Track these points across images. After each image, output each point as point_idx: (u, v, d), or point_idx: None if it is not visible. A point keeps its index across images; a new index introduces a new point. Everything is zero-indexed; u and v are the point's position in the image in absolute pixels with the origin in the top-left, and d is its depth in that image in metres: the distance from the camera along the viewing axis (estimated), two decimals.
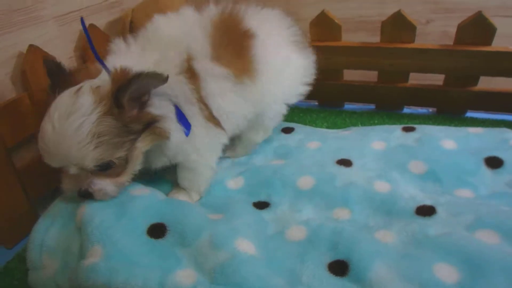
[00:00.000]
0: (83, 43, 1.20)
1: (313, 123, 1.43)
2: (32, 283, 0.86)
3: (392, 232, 0.83)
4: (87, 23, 1.19)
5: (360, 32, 1.51)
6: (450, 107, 1.40)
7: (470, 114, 1.40)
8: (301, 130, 1.29)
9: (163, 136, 0.84)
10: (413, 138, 1.12)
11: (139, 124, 0.80)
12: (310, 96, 1.32)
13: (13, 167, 0.99)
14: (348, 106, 1.56)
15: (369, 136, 1.17)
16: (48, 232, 0.88)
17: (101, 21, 1.30)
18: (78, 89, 0.78)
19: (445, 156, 1.03)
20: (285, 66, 1.05)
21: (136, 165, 0.85)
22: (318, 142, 1.19)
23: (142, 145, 0.83)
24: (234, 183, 1.06)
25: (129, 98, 0.77)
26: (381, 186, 0.97)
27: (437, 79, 1.37)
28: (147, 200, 0.89)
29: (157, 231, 0.84)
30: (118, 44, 0.92)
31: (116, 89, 0.75)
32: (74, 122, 0.74)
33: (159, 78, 0.77)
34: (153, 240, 0.82)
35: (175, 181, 1.01)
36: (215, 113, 0.94)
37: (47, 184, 1.12)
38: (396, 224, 0.86)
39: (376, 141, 1.15)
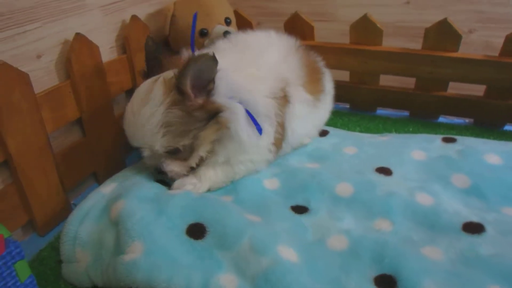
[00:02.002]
0: (125, 33, 1.19)
1: (345, 127, 1.40)
2: (66, 276, 0.85)
3: (440, 248, 0.81)
4: (128, 14, 1.20)
5: (399, 38, 1.48)
6: (489, 119, 1.35)
7: (508, 127, 1.36)
8: (336, 133, 1.27)
9: (224, 125, 0.88)
10: (455, 150, 1.08)
11: (205, 112, 0.86)
12: (341, 98, 1.35)
13: (52, 154, 0.99)
14: (381, 111, 1.52)
15: (408, 145, 1.14)
16: (82, 225, 0.87)
17: (140, 12, 1.28)
18: (156, 79, 0.86)
19: (490, 171, 1.00)
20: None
21: (201, 152, 0.92)
22: (354, 148, 1.16)
23: (206, 134, 0.88)
24: (270, 184, 1.03)
25: (192, 86, 0.83)
26: (424, 199, 0.94)
27: (476, 89, 1.34)
28: (183, 199, 0.88)
29: (196, 231, 0.82)
30: (221, 45, 1.08)
31: (175, 77, 0.82)
32: (147, 111, 0.83)
33: (213, 60, 0.80)
34: (192, 240, 0.81)
35: None
36: (289, 132, 1.05)
37: (80, 173, 1.12)
38: (443, 240, 0.83)
39: (416, 150, 1.11)
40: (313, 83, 1.11)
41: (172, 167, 0.92)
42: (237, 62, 0.97)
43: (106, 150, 1.17)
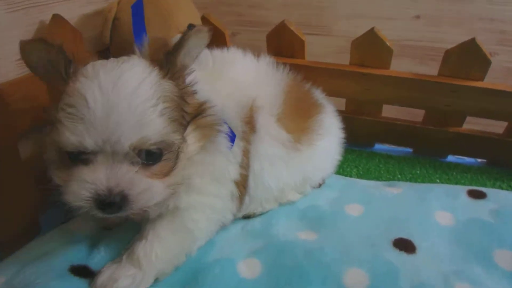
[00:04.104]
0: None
1: (340, 168, 1.14)
2: None
3: None
4: (51, 12, 0.92)
5: (404, 59, 1.26)
6: (506, 160, 1.16)
7: None
8: (334, 183, 1.02)
9: (211, 131, 0.69)
10: (488, 209, 0.90)
11: (189, 107, 0.66)
12: None
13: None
14: (380, 147, 1.31)
15: (428, 202, 0.93)
16: None
17: (69, 12, 0.99)
18: (120, 58, 0.65)
19: None
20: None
21: (181, 169, 0.66)
22: (360, 206, 0.92)
23: (191, 141, 0.67)
24: (248, 269, 0.75)
25: (179, 61, 0.66)
26: None
27: (492, 124, 1.13)
28: None
29: None
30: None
31: (169, 49, 0.64)
32: (131, 80, 0.60)
33: (204, 32, 0.65)
34: None
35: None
36: (250, 177, 0.80)
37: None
38: None
39: (439, 211, 0.90)
40: (296, 118, 0.87)
41: (148, 184, 0.61)
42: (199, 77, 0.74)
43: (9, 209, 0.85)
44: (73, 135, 0.57)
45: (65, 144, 0.58)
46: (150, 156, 0.61)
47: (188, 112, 0.66)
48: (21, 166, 0.86)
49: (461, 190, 0.96)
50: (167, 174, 0.64)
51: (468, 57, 1.02)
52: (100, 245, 0.75)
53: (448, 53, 1.04)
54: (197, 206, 0.72)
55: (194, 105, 0.67)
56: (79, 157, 0.59)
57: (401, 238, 0.81)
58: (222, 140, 0.72)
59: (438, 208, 0.90)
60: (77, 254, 0.73)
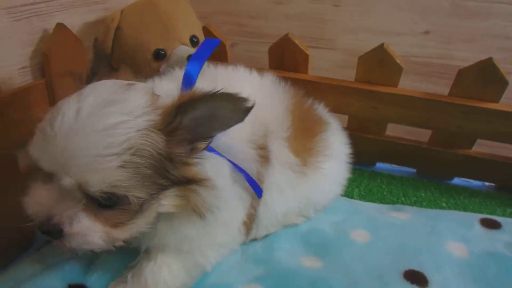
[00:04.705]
0: (45, 48, 0.90)
1: None
2: None
3: None
4: (54, 21, 0.91)
5: (410, 76, 1.19)
6: None
7: None
8: (338, 205, 0.96)
9: (194, 205, 0.61)
10: (504, 241, 0.85)
11: (179, 172, 0.59)
12: None
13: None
14: (381, 165, 1.25)
15: (439, 231, 0.88)
16: None
17: (72, 21, 0.97)
18: (130, 84, 0.60)
19: None
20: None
21: (145, 223, 0.61)
22: (366, 232, 0.87)
23: (167, 202, 0.60)
24: None
25: (190, 123, 0.58)
26: None
27: (498, 145, 1.08)
28: None
29: None
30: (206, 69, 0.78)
31: (183, 101, 0.57)
32: (112, 115, 0.54)
33: (242, 106, 0.57)
34: None
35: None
36: (261, 208, 0.77)
37: None
38: None
39: (452, 242, 0.85)
40: (302, 138, 0.83)
41: (87, 228, 0.57)
42: None
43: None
44: (34, 150, 0.56)
45: (29, 155, 0.56)
46: (106, 200, 0.55)
47: (175, 175, 0.59)
48: (20, 176, 0.85)
49: (474, 219, 0.92)
50: (118, 224, 0.58)
51: (484, 78, 0.97)
52: (96, 263, 0.73)
53: (461, 73, 0.99)
54: (205, 246, 0.70)
55: (188, 172, 0.60)
56: (42, 172, 0.57)
57: (412, 269, 0.76)
58: (227, 195, 0.66)
59: (450, 238, 0.85)
60: (73, 273, 0.71)
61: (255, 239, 0.83)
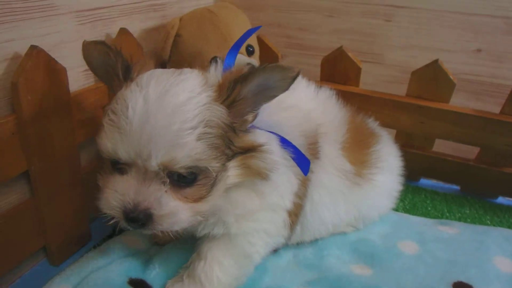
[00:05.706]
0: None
1: None
2: None
3: None
4: (116, 26, 0.93)
5: (461, 93, 1.19)
6: None
7: None
8: (386, 217, 0.97)
9: (254, 172, 0.64)
10: None
11: (240, 140, 0.62)
12: None
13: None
14: (425, 181, 1.25)
15: (487, 246, 0.89)
16: None
17: (133, 26, 1.00)
18: (178, 70, 0.63)
19: None
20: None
21: (219, 194, 0.63)
22: (414, 244, 0.89)
23: (232, 173, 0.63)
24: None
25: (248, 94, 0.61)
26: None
27: None
28: None
29: None
30: None
31: (239, 75, 0.60)
32: (180, 94, 0.57)
33: (289, 75, 0.60)
34: None
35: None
36: (307, 206, 0.77)
37: (22, 248, 0.81)
38: None
39: (499, 257, 0.86)
40: (357, 149, 0.84)
41: (175, 207, 0.58)
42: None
43: (63, 216, 0.84)
44: (109, 143, 0.57)
45: (102, 150, 0.58)
46: (183, 178, 0.58)
47: (236, 145, 0.62)
48: (81, 174, 0.88)
49: None
50: (199, 199, 0.61)
51: None
52: (155, 261, 0.76)
53: None
54: (251, 232, 0.71)
55: (246, 142, 0.63)
56: (116, 165, 0.59)
57: (461, 281, 0.77)
58: (275, 176, 0.67)
59: (498, 253, 0.86)
60: (134, 268, 0.75)
61: (302, 243, 0.85)
